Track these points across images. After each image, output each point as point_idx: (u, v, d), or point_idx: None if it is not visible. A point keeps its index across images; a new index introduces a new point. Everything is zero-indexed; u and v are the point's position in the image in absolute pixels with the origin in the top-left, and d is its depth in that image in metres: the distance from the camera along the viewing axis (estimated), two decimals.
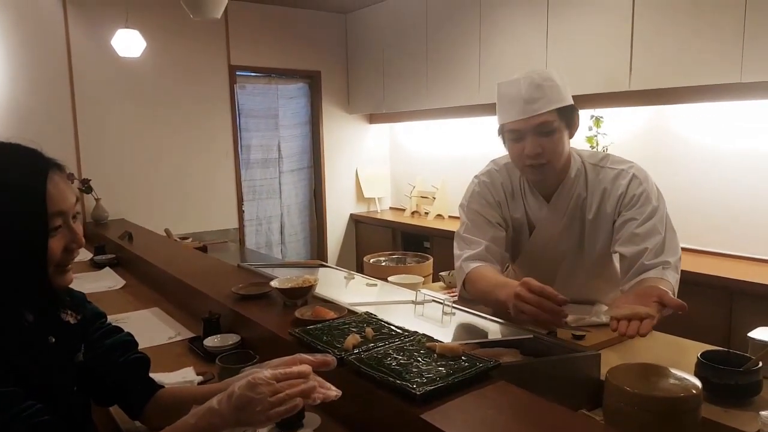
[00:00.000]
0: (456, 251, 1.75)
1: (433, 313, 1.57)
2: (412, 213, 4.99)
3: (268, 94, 5.02)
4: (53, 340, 1.02)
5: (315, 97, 5.22)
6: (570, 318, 1.35)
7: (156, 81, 4.33)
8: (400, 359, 1.15)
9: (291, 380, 0.90)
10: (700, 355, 1.30)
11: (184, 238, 4.01)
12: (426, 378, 1.05)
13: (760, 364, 1.25)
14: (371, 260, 2.76)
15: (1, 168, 0.92)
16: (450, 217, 4.62)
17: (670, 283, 1.44)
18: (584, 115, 3.32)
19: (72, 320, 1.08)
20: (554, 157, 1.58)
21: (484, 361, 1.12)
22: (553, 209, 1.69)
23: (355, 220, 5.45)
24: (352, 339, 1.24)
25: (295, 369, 0.93)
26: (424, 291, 1.82)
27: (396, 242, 4.82)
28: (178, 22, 4.22)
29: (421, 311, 1.62)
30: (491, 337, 1.49)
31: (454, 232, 1.84)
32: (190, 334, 1.86)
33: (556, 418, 0.98)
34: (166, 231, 3.93)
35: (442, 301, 1.60)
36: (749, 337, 1.41)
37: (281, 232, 5.27)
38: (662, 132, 3.35)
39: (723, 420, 1.18)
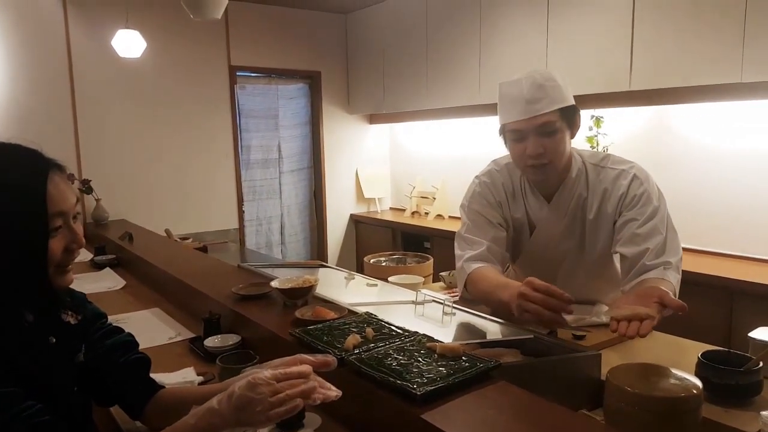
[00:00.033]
0: (457, 251, 1.75)
1: (434, 314, 1.57)
2: (413, 213, 4.99)
3: (268, 94, 5.02)
4: (54, 340, 1.02)
5: (315, 98, 5.22)
6: (570, 318, 1.35)
7: (156, 81, 4.34)
8: (401, 359, 1.15)
9: (291, 380, 0.90)
10: (701, 355, 1.30)
11: (184, 238, 4.01)
12: (426, 378, 1.05)
13: (761, 364, 1.25)
14: (371, 260, 2.76)
15: (2, 168, 0.92)
16: (450, 217, 4.62)
17: (671, 283, 1.44)
18: (584, 115, 3.30)
19: (72, 320, 1.08)
20: (556, 157, 1.58)
21: (485, 361, 1.12)
22: (554, 209, 1.69)
23: (355, 221, 5.45)
24: (353, 339, 1.24)
25: (296, 369, 0.93)
26: (424, 291, 1.82)
27: (396, 242, 4.82)
28: (178, 23, 4.22)
29: (421, 311, 1.62)
30: (491, 337, 1.49)
31: (454, 232, 1.84)
32: (190, 335, 1.86)
33: (557, 418, 0.98)
34: (167, 231, 3.93)
35: (442, 302, 1.60)
36: (750, 337, 1.41)
37: (281, 233, 5.28)
38: (663, 132, 3.35)
39: (723, 420, 1.18)
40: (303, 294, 1.65)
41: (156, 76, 4.32)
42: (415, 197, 4.98)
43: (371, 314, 1.47)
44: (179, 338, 1.85)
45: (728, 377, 1.23)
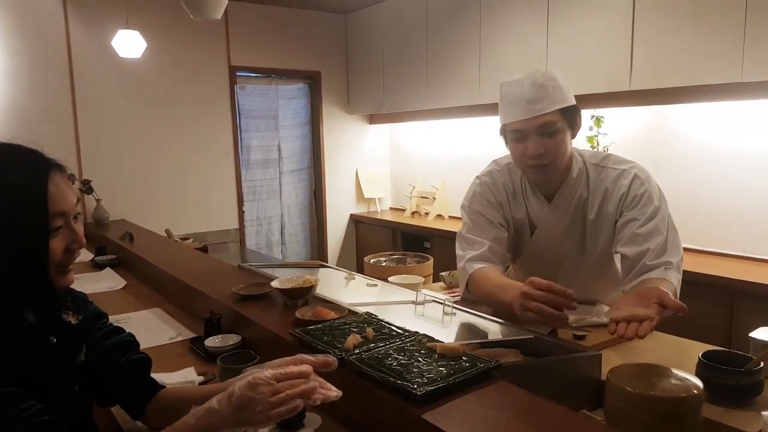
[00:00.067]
0: (458, 252, 1.75)
1: (434, 314, 1.57)
2: (413, 213, 4.99)
3: (268, 94, 5.02)
4: (54, 340, 1.02)
5: (315, 98, 5.22)
6: (571, 318, 1.35)
7: (156, 81, 4.34)
8: (401, 359, 1.14)
9: (292, 380, 0.90)
10: (702, 355, 1.30)
11: (184, 238, 4.01)
12: (427, 378, 1.05)
13: (762, 364, 1.25)
14: (371, 260, 2.76)
15: (2, 169, 0.92)
16: (450, 217, 4.62)
17: (672, 283, 1.44)
18: (585, 115, 3.29)
19: (73, 320, 1.08)
20: (557, 157, 1.58)
21: (485, 361, 1.12)
22: (555, 209, 1.69)
23: (355, 221, 5.45)
24: (353, 339, 1.24)
25: (296, 369, 0.93)
26: (424, 291, 1.82)
27: (396, 242, 4.82)
28: (178, 23, 4.22)
29: (421, 311, 1.62)
30: (492, 337, 1.49)
31: (454, 232, 1.83)
32: (191, 335, 1.86)
33: (557, 418, 0.98)
34: (167, 231, 3.93)
35: (442, 302, 1.60)
36: (750, 337, 1.41)
37: (281, 233, 5.28)
38: (663, 132, 3.35)
39: (724, 420, 1.17)
40: (303, 294, 1.65)
41: (156, 76, 4.32)
42: (415, 197, 4.97)
43: (371, 314, 1.47)
44: (180, 338, 1.85)
45: (729, 377, 1.23)
